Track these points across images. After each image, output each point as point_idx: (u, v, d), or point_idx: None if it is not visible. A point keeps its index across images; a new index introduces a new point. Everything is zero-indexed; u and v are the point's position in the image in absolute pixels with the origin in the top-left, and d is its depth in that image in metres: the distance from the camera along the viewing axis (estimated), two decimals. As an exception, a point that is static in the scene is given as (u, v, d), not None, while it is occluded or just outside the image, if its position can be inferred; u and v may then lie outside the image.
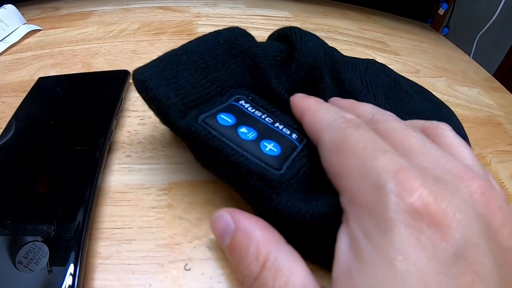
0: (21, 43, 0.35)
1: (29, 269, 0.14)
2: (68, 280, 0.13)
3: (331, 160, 0.14)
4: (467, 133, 0.29)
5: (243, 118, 0.16)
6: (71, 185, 0.17)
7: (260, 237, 0.13)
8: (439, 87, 0.39)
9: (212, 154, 0.16)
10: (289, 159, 0.15)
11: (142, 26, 0.38)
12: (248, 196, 0.16)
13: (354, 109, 0.17)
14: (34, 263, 0.14)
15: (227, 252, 0.14)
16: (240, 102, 0.17)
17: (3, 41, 0.36)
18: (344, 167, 0.13)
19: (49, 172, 0.18)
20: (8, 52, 0.34)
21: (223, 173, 0.17)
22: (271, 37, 0.23)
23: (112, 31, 0.37)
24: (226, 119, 0.16)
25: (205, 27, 0.38)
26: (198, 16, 0.41)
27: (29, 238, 0.15)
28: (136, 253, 0.16)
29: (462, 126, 0.28)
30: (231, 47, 0.18)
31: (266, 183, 0.14)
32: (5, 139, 0.20)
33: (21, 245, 0.14)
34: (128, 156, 0.20)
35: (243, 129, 0.16)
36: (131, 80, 0.26)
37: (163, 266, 0.16)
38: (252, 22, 0.41)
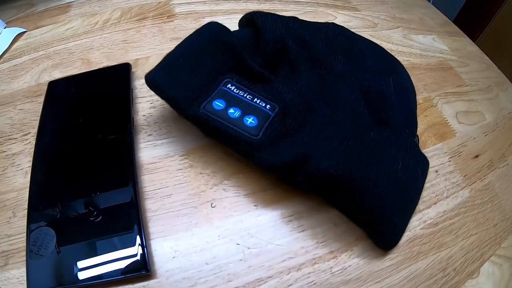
0: (10, 49, 0.37)
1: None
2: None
3: None
4: (418, 80, 0.35)
5: (230, 100, 0.22)
6: (118, 165, 0.23)
7: None
8: (395, 39, 0.43)
9: (213, 131, 0.22)
10: (263, 127, 0.22)
11: (123, 13, 0.40)
12: (240, 153, 0.23)
13: None
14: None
15: None
16: (227, 86, 0.23)
17: (-9, 49, 0.36)
18: None
19: (97, 159, 0.23)
20: (2, 60, 0.36)
21: (223, 141, 0.23)
22: (240, 22, 0.28)
23: (97, 22, 0.39)
24: (219, 104, 0.22)
25: (181, 7, 0.40)
26: (172, -6, 0.43)
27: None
28: (175, 203, 0.22)
29: (409, 76, 0.33)
30: (214, 43, 0.23)
31: (249, 146, 0.21)
32: (45, 140, 0.24)
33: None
34: (150, 135, 0.26)
35: (231, 110, 0.22)
36: (133, 70, 0.31)
37: (196, 207, 0.22)
38: (223, -6, 0.43)
